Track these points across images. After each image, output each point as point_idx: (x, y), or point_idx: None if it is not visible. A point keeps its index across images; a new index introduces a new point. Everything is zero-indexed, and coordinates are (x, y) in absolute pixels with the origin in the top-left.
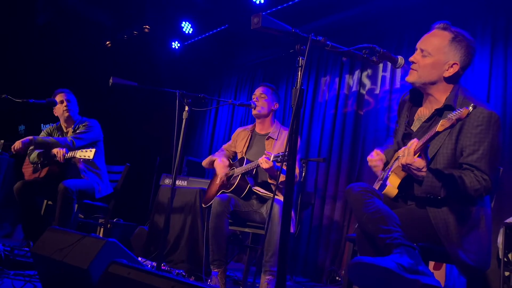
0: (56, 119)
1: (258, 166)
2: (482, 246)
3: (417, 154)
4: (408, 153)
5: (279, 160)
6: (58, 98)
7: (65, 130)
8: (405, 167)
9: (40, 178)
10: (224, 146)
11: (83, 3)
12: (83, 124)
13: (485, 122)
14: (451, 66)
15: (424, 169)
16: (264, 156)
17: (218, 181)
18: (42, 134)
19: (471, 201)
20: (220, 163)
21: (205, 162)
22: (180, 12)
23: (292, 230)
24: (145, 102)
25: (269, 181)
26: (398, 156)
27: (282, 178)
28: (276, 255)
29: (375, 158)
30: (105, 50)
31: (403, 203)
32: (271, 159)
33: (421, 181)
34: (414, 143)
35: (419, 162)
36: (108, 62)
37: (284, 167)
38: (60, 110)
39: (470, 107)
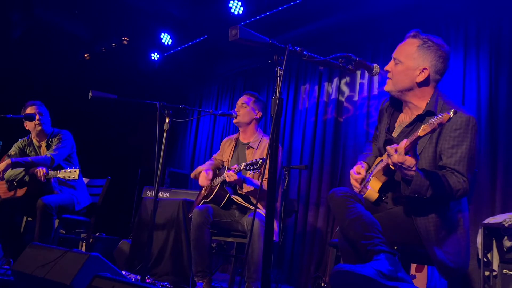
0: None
1: None
2: (461, 248)
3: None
4: (399, 152)
5: (245, 170)
6: (29, 111)
7: (37, 144)
8: (396, 166)
9: (18, 197)
10: (214, 156)
11: (60, 16)
12: (57, 137)
13: (463, 126)
14: (422, 71)
15: (414, 168)
16: (228, 170)
17: (203, 191)
18: (14, 150)
19: (450, 204)
20: (203, 174)
21: (193, 174)
22: (159, 23)
23: (275, 239)
24: (126, 114)
25: (238, 190)
26: (381, 160)
27: (248, 188)
28: (258, 271)
29: (356, 177)
30: (84, 63)
31: (384, 206)
32: (235, 171)
33: (409, 181)
34: (403, 142)
35: (410, 160)
36: (88, 74)
37: (252, 178)
38: (31, 124)
39: (451, 112)
